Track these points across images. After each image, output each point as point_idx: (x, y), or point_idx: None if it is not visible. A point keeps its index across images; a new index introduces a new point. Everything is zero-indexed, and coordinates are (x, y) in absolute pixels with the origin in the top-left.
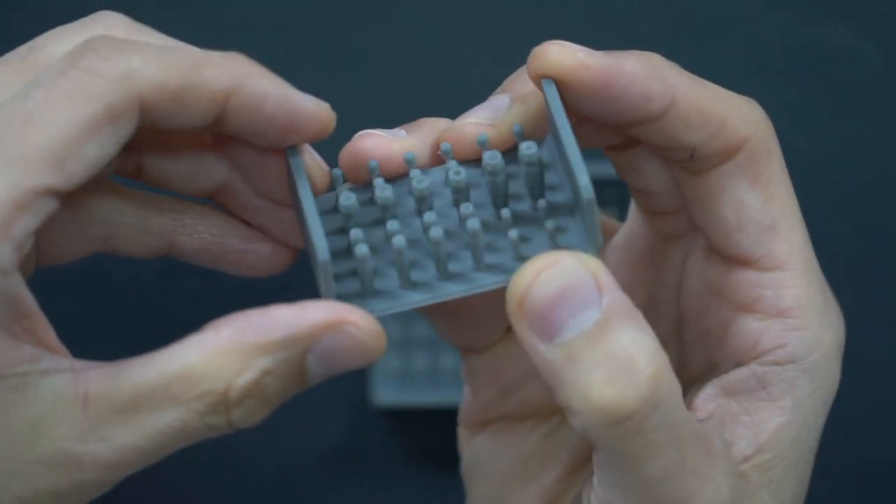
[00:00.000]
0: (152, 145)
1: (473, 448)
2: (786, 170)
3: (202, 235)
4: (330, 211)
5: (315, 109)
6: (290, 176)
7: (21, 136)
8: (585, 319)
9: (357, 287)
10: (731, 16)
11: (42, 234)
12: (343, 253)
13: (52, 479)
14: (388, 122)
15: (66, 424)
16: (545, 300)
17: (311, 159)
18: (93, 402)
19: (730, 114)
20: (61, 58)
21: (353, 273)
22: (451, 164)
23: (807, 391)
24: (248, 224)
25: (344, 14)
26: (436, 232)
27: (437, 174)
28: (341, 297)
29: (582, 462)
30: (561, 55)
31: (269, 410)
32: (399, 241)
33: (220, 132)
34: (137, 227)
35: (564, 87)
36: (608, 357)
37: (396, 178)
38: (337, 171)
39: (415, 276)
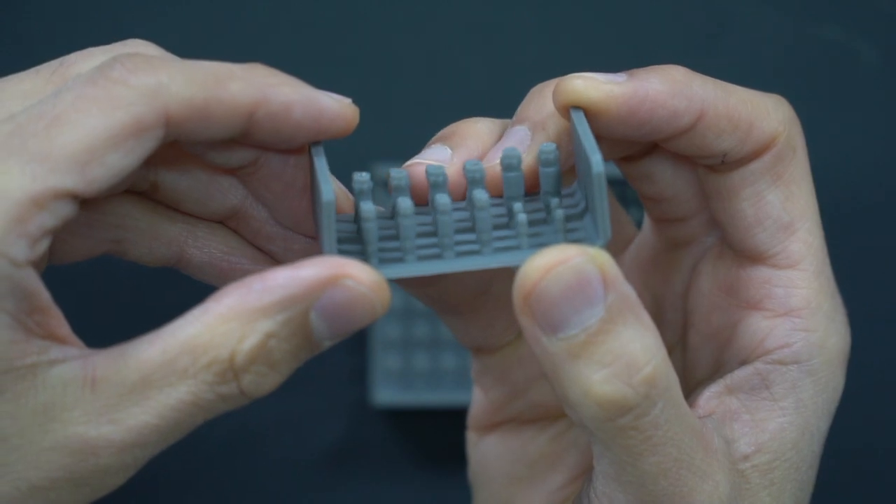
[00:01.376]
0: (169, 163)
1: (481, 451)
2: (809, 171)
3: (211, 251)
4: (348, 225)
5: (339, 108)
6: (312, 175)
7: (46, 136)
8: (589, 316)
9: (359, 248)
10: (729, 15)
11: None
12: (354, 237)
13: (67, 465)
14: (388, 121)
15: (77, 409)
16: (551, 297)
17: (338, 187)
18: (101, 384)
19: (757, 117)
20: (91, 68)
21: (361, 242)
22: (469, 163)
23: (809, 394)
24: (256, 247)
25: (344, 14)
26: (442, 199)
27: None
28: (343, 254)
29: (589, 465)
30: (587, 88)
31: (280, 376)
32: (405, 203)
33: (246, 142)
34: (148, 234)
35: (591, 117)
36: (609, 354)
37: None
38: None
39: (421, 251)
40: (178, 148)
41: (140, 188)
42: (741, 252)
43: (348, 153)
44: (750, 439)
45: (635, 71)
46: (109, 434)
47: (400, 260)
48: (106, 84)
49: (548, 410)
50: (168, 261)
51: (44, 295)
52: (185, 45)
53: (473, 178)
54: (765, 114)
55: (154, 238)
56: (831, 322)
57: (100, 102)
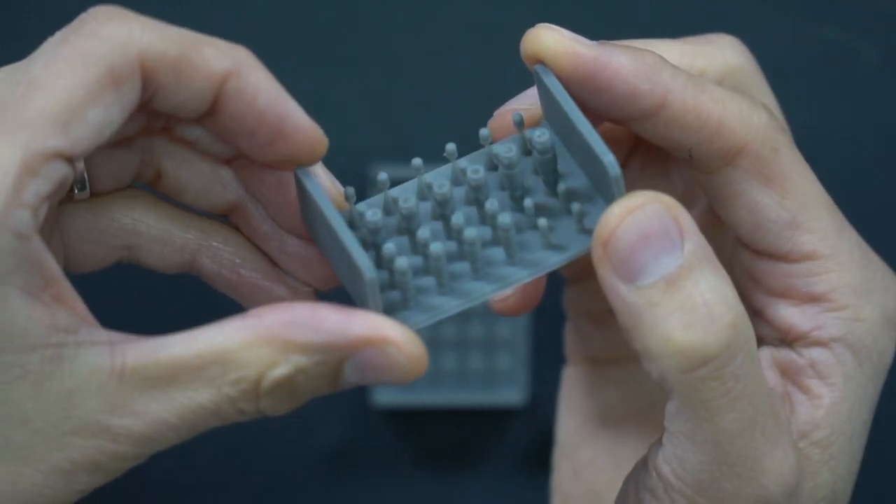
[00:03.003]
0: (170, 151)
1: (567, 382)
2: (802, 161)
3: (223, 260)
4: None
5: (305, 122)
6: (303, 198)
7: (24, 102)
8: (667, 264)
9: (398, 298)
10: (728, 15)
11: (66, 241)
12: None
13: (87, 450)
14: (388, 121)
15: (101, 397)
16: (629, 243)
17: (328, 179)
18: (129, 375)
19: (728, 118)
20: (62, 29)
21: (389, 284)
22: (463, 163)
23: (853, 366)
24: (272, 262)
25: (344, 14)
26: (469, 233)
27: (442, 174)
28: (385, 310)
29: (656, 425)
30: (552, 40)
31: (297, 405)
32: (437, 247)
33: (214, 129)
34: (160, 240)
35: (553, 71)
36: (689, 302)
37: (403, 182)
38: (350, 190)
39: (454, 283)
40: (174, 134)
41: (145, 178)
42: (755, 251)
43: (348, 153)
44: (805, 417)
45: (610, 42)
46: (130, 425)
47: (433, 305)
48: (76, 40)
49: (619, 352)
50: (181, 267)
51: (53, 266)
52: None
53: (477, 184)
54: (736, 116)
55: (166, 244)
56: (862, 294)
57: (71, 60)
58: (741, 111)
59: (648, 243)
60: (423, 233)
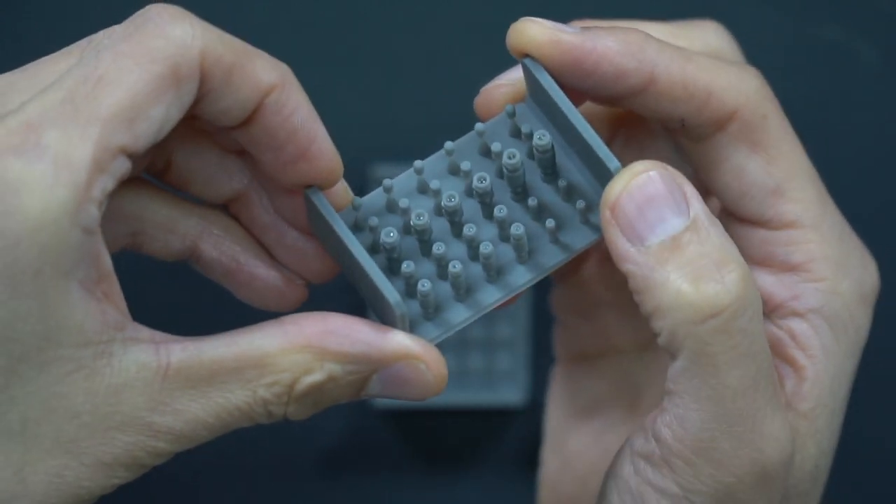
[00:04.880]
0: (185, 140)
1: (555, 380)
2: (791, 131)
3: (223, 249)
4: (351, 228)
5: (329, 148)
6: (313, 216)
7: (95, 98)
8: (675, 224)
9: (417, 310)
10: (728, 15)
11: None
12: (384, 270)
13: (129, 445)
14: (388, 121)
15: (146, 395)
16: (636, 204)
17: (341, 185)
18: (173, 374)
19: (716, 86)
20: (123, 23)
21: (406, 293)
22: (466, 166)
23: (831, 339)
24: (269, 254)
25: (344, 14)
26: (486, 248)
27: (439, 162)
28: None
29: (639, 408)
30: (535, 31)
31: (317, 410)
32: (457, 266)
33: (243, 137)
34: (163, 227)
35: (539, 61)
36: (699, 257)
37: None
38: (357, 201)
39: (464, 291)
40: (192, 126)
41: (157, 167)
42: (738, 218)
43: (348, 153)
44: (790, 388)
45: (593, 26)
46: (171, 423)
47: (448, 318)
48: (142, 37)
49: (607, 344)
50: (182, 254)
51: (107, 260)
52: None
53: (484, 192)
54: (725, 83)
55: (170, 231)
56: (840, 267)
57: (138, 56)
58: (730, 78)
59: (655, 204)
60: (438, 248)
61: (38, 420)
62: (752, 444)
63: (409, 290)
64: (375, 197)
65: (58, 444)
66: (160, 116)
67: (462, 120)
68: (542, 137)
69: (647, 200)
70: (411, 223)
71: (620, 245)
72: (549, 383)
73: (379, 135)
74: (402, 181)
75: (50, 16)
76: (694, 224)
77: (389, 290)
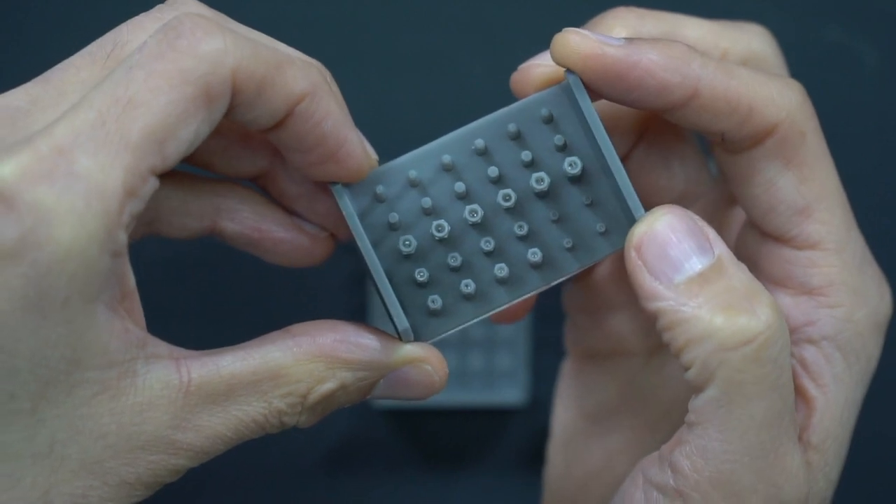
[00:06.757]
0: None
1: (565, 375)
2: (826, 151)
3: (242, 220)
4: (369, 200)
5: (358, 152)
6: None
7: (126, 121)
8: (701, 262)
9: (423, 313)
10: (729, 15)
11: None
12: (396, 257)
13: (151, 464)
14: (388, 121)
15: (169, 412)
16: (662, 243)
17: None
18: (194, 391)
19: (758, 101)
20: (154, 37)
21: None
22: (494, 172)
23: (842, 367)
24: (289, 213)
25: (344, 14)
26: (501, 251)
27: (463, 148)
28: (413, 307)
29: (649, 429)
30: (579, 43)
31: (323, 416)
32: (469, 265)
33: (271, 137)
34: (179, 210)
35: (582, 74)
36: (729, 289)
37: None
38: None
39: (467, 289)
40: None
41: None
42: (762, 233)
43: None
44: (800, 421)
45: (638, 39)
46: (192, 439)
47: (453, 314)
48: (174, 57)
49: (616, 346)
50: (201, 233)
51: (131, 279)
52: None
53: (509, 207)
54: (768, 99)
55: (186, 214)
56: (857, 295)
57: (170, 77)
58: (771, 93)
59: (680, 245)
60: (454, 259)
61: (66, 442)
62: (771, 480)
63: (419, 284)
64: (395, 171)
65: (84, 466)
66: (190, 136)
67: (462, 120)
68: (574, 166)
69: (671, 242)
70: (433, 233)
71: (648, 284)
72: (554, 380)
73: (379, 135)
74: (424, 170)
75: (50, 16)
76: (719, 262)
77: (399, 316)
